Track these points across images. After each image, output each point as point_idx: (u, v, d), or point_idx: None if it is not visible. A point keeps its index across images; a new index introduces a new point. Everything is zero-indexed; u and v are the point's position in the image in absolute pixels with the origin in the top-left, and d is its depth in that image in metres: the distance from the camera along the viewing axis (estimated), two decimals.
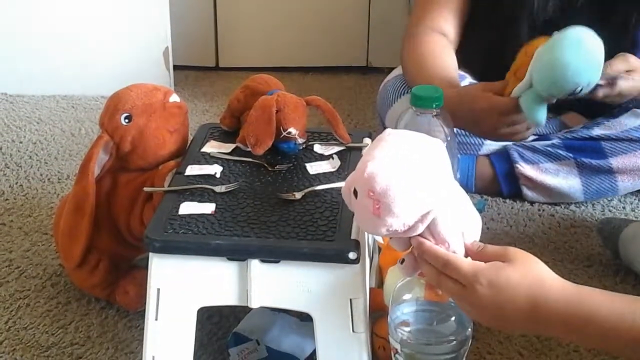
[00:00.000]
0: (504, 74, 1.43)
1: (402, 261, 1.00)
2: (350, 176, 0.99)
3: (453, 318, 1.04)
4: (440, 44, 1.61)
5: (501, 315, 0.93)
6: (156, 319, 1.11)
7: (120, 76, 1.84)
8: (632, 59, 1.41)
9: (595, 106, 1.49)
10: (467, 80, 1.71)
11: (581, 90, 1.31)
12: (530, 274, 0.94)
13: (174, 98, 1.34)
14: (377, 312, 1.14)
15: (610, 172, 1.64)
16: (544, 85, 1.32)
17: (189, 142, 1.35)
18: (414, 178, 0.93)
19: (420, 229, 0.95)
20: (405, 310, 1.07)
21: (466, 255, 0.98)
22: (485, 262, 0.95)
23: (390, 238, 1.00)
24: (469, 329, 1.06)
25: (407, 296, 1.08)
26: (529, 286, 0.92)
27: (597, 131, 1.66)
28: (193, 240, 1.09)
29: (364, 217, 0.96)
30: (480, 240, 1.01)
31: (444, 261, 0.95)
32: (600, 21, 1.50)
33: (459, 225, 0.97)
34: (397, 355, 1.07)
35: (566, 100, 1.38)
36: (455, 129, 1.29)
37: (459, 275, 0.94)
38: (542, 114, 1.36)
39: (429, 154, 0.97)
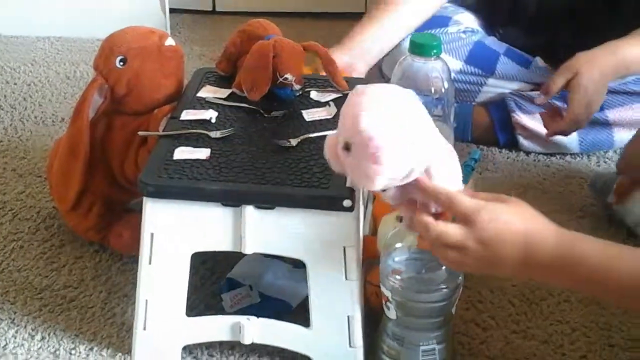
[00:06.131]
0: None
1: (401, 219, 1.00)
2: (336, 132, 0.97)
3: (444, 266, 1.05)
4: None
5: (496, 251, 0.93)
6: (150, 263, 1.11)
7: (115, 19, 1.81)
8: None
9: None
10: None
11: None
12: (527, 215, 0.95)
13: (170, 42, 1.32)
14: (371, 260, 1.14)
15: (606, 124, 1.63)
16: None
17: (185, 86, 1.34)
18: (408, 123, 0.93)
19: (417, 173, 0.94)
20: (396, 259, 1.08)
21: None
22: None
23: (383, 191, 0.99)
24: (460, 277, 1.07)
25: (399, 245, 1.08)
26: (525, 225, 0.93)
27: None
28: (188, 185, 1.08)
29: (360, 170, 0.94)
30: (475, 190, 1.01)
31: (446, 197, 0.95)
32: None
33: (449, 172, 0.97)
34: (388, 303, 1.08)
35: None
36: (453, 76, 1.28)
37: (460, 209, 0.94)
38: None
39: (411, 102, 0.96)
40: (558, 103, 1.63)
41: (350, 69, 1.48)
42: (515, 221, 0.94)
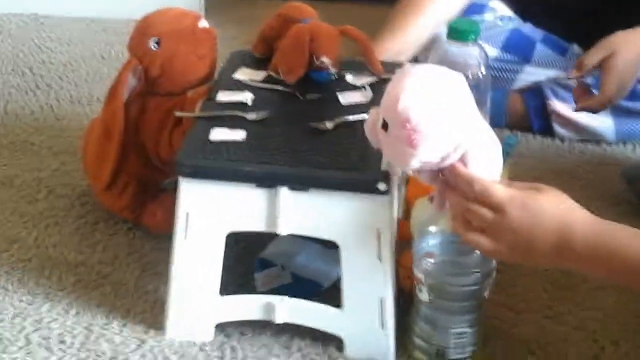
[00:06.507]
0: None
1: (432, 199, 1.00)
2: (375, 110, 0.98)
3: (478, 250, 1.04)
4: None
5: (529, 240, 0.93)
6: (184, 242, 1.12)
7: (150, 0, 1.82)
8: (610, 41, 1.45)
9: None
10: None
11: None
12: (563, 203, 0.94)
13: (203, 23, 1.33)
14: (403, 243, 1.14)
15: None
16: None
17: (219, 68, 1.34)
18: (448, 108, 0.93)
19: (453, 158, 0.94)
20: (430, 242, 1.08)
21: None
22: None
23: (419, 172, 0.99)
24: (493, 262, 1.07)
25: (433, 228, 1.09)
26: (560, 214, 0.93)
27: None
28: (224, 166, 1.09)
29: (395, 150, 0.95)
30: (508, 176, 1.01)
31: (480, 185, 0.94)
32: None
33: (487, 159, 0.97)
34: (420, 286, 1.08)
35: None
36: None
37: (493, 199, 0.93)
38: None
39: (457, 87, 0.96)
40: (595, 91, 1.62)
41: (397, 57, 1.48)
42: (549, 209, 0.93)
